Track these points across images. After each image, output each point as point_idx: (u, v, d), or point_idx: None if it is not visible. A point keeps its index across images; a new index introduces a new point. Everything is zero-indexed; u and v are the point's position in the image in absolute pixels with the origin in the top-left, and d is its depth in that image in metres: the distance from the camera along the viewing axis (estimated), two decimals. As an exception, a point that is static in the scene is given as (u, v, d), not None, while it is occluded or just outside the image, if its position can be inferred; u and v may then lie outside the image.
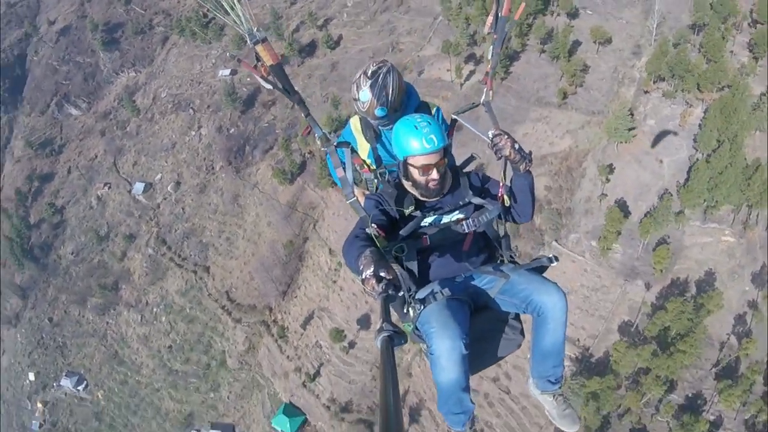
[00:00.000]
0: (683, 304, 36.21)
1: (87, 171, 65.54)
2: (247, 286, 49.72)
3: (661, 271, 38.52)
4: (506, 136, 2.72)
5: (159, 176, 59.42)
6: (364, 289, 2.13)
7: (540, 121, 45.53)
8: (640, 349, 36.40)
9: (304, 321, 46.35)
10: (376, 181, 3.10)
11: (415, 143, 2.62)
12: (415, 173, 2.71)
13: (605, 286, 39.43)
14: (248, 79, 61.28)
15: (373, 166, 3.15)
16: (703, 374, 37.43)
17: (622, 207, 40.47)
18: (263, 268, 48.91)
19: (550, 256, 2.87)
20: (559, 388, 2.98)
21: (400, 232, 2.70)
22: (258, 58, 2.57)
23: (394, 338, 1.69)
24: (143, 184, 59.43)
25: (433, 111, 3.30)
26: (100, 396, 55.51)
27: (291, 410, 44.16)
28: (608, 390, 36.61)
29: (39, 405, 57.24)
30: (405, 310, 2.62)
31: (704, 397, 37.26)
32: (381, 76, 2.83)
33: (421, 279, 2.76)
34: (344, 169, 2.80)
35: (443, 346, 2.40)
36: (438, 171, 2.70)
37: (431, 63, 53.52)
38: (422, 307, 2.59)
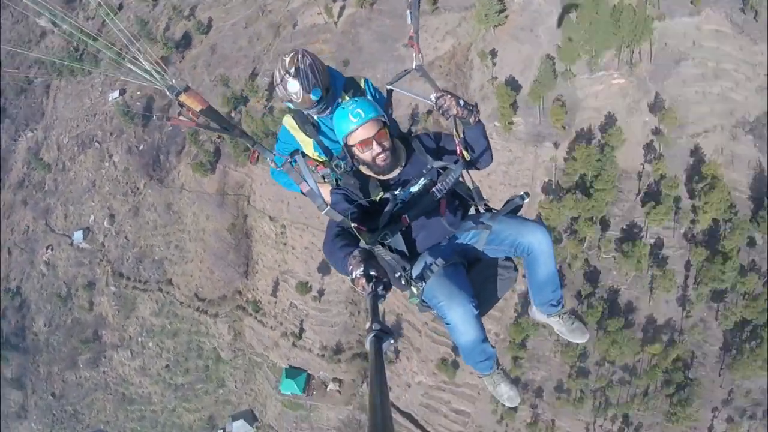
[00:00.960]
0: (588, 148, 38.59)
1: (25, 244, 65.65)
2: (211, 281, 51.37)
3: (563, 127, 40.66)
4: (449, 96, 2.78)
5: (92, 218, 59.91)
6: (355, 289, 2.25)
7: (418, 32, 46.57)
8: (564, 201, 38.98)
9: (272, 290, 48.34)
10: (333, 175, 3.08)
11: (343, 122, 2.72)
12: (358, 152, 2.77)
13: (519, 157, 41.53)
14: (138, 92, 61.18)
15: (323, 158, 3.15)
16: (630, 206, 40.22)
17: (512, 83, 42.15)
18: (218, 258, 50.47)
19: (522, 194, 3.03)
20: (563, 308, 3.22)
21: (379, 220, 2.74)
22: (181, 104, 2.54)
23: (383, 337, 1.68)
24: (81, 232, 59.95)
25: (362, 84, 3.29)
26: (127, 441, 57.76)
27: (292, 372, 46.69)
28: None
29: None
30: (407, 289, 2.78)
31: (639, 226, 40.22)
32: (299, 62, 2.81)
33: (411, 254, 2.87)
34: (305, 180, 2.76)
35: (456, 315, 2.60)
36: (379, 144, 2.74)
37: (302, 12, 53.85)
38: (423, 284, 2.73)
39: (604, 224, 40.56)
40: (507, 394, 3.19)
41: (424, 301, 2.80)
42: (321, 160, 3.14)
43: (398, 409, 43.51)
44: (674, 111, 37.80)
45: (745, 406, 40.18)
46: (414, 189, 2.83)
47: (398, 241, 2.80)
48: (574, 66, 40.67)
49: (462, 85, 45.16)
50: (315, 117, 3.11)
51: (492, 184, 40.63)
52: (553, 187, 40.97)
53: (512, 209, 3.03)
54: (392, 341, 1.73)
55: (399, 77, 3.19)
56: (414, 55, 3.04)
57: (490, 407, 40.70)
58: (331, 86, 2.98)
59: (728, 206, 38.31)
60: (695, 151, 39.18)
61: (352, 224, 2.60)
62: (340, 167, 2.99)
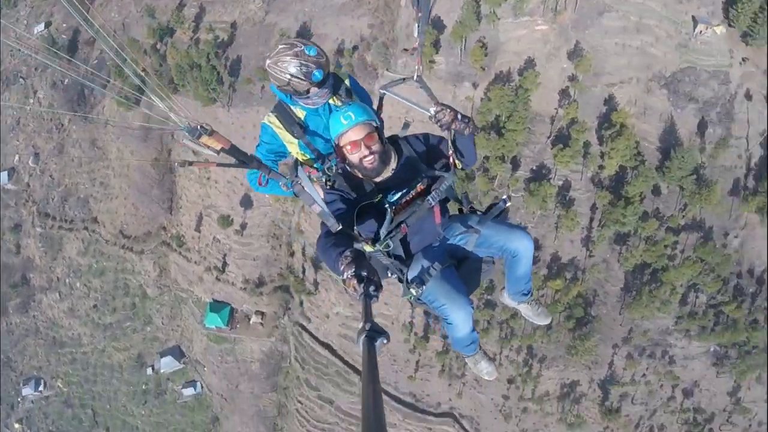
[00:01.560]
0: (502, 89, 39.18)
1: (-50, 187, 63.85)
2: (135, 217, 51.17)
3: (482, 68, 41.03)
4: (449, 110, 2.89)
5: (17, 157, 58.48)
6: (346, 290, 2.25)
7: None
8: (477, 139, 39.73)
9: (196, 224, 48.50)
10: (325, 176, 3.10)
11: (335, 123, 2.82)
12: (347, 154, 2.85)
13: (437, 95, 41.98)
14: (64, 25, 59.11)
15: (306, 155, 3.18)
16: (541, 148, 41.29)
17: (436, 22, 42.05)
18: (142, 194, 50.16)
19: (504, 198, 3.28)
20: (531, 296, 3.63)
21: (380, 231, 2.86)
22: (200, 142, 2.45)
23: (375, 337, 1.69)
24: (6, 173, 58.53)
25: (346, 81, 3.32)
26: (60, 385, 58.06)
27: (216, 306, 47.39)
28: (461, 181, 40.52)
29: (16, 426, 59.53)
30: (406, 290, 2.95)
31: (548, 168, 41.45)
32: (294, 45, 2.79)
33: (405, 255, 3.04)
34: (317, 202, 2.84)
35: (458, 317, 2.83)
36: (367, 147, 2.83)
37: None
38: (423, 287, 2.91)
39: (515, 164, 41.72)
40: (486, 370, 3.56)
41: (419, 299, 2.99)
42: (307, 158, 3.16)
43: (317, 340, 44.88)
44: (589, 59, 38.58)
45: (644, 345, 42.85)
46: (406, 195, 2.94)
47: (396, 247, 2.94)
48: (499, 9, 40.88)
49: (389, 22, 45.00)
50: (302, 116, 3.09)
51: (411, 121, 41.17)
52: (471, 124, 41.80)
53: (498, 213, 3.26)
54: (385, 341, 1.71)
55: (395, 83, 3.24)
56: (416, 67, 3.12)
57: (402, 336, 42.32)
58: (330, 78, 2.97)
59: (634, 154, 39.73)
60: (609, 101, 40.20)
61: (360, 237, 2.70)
62: (332, 169, 3.05)
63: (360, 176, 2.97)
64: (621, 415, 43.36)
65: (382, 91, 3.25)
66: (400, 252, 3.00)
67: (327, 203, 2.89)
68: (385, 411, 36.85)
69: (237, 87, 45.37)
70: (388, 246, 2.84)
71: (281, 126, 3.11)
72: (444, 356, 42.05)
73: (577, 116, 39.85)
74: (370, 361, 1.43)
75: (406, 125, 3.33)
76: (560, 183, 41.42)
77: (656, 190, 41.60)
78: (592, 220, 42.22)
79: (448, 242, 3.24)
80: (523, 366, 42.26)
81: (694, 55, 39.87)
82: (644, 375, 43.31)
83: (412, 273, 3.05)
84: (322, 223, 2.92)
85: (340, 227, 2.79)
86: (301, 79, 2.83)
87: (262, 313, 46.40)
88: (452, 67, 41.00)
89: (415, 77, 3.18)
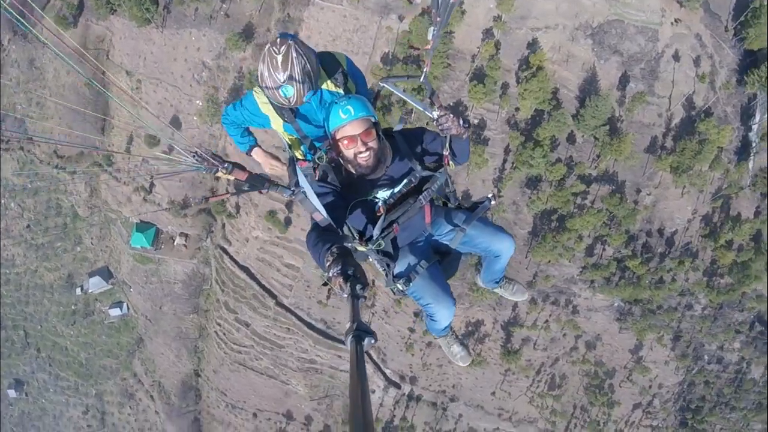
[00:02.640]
0: (422, 20, 40.63)
1: None
2: (70, 137, 52.72)
3: (410, 2, 42.73)
4: (452, 116, 2.95)
5: (-45, 75, 59.39)
6: (332, 288, 2.26)
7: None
8: (395, 69, 41.63)
9: (126, 145, 50.34)
10: (313, 167, 3.11)
11: (333, 116, 2.84)
12: (342, 148, 2.88)
13: (364, 26, 43.51)
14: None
15: (292, 136, 3.23)
16: (460, 85, 43.22)
17: None
18: (77, 115, 51.70)
19: (489, 196, 3.41)
20: (503, 281, 3.93)
21: (373, 231, 2.93)
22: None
23: (363, 337, 1.71)
24: (-55, 90, 59.45)
25: (342, 61, 3.26)
26: (-5, 309, 60.16)
27: (142, 227, 49.55)
28: (380, 116, 42.54)
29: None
30: (391, 283, 3.09)
31: (465, 105, 43.56)
32: (292, 64, 2.76)
33: (393, 250, 3.15)
34: (317, 208, 2.86)
35: (443, 315, 3.07)
36: (363, 143, 2.86)
37: None
38: (410, 284, 3.05)
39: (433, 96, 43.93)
40: (459, 354, 3.82)
41: (403, 292, 3.15)
42: (294, 139, 3.23)
43: (236, 263, 47.37)
44: (513, 1, 40.31)
45: (547, 291, 45.65)
46: (398, 192, 3.03)
47: (387, 245, 3.05)
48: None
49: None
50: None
51: (336, 49, 42.97)
52: (390, 57, 43.71)
53: (483, 211, 3.41)
54: (373, 341, 1.72)
55: (399, 78, 3.34)
56: (423, 69, 3.21)
57: (315, 263, 44.96)
58: (310, 83, 2.94)
59: (549, 98, 41.86)
60: (532, 44, 41.80)
61: (352, 237, 2.81)
62: (322, 158, 3.09)
63: (352, 171, 2.99)
64: (521, 358, 46.38)
65: (381, 84, 3.31)
66: (389, 249, 3.10)
67: (318, 195, 2.90)
68: (298, 336, 39.86)
69: (171, 8, 46.78)
70: (380, 245, 2.95)
71: (269, 105, 3.12)
72: (355, 282, 44.79)
73: (496, 54, 41.90)
74: (357, 360, 1.44)
75: (401, 121, 3.43)
76: (476, 121, 43.72)
77: (571, 138, 43.94)
78: (504, 161, 44.74)
79: (434, 238, 3.38)
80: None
81: (623, 9, 41.07)
82: (547, 321, 46.30)
83: (398, 268, 3.17)
84: (312, 217, 2.93)
85: (332, 224, 2.82)
86: (274, 92, 2.87)
87: (186, 235, 48.73)
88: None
89: (422, 78, 3.22)
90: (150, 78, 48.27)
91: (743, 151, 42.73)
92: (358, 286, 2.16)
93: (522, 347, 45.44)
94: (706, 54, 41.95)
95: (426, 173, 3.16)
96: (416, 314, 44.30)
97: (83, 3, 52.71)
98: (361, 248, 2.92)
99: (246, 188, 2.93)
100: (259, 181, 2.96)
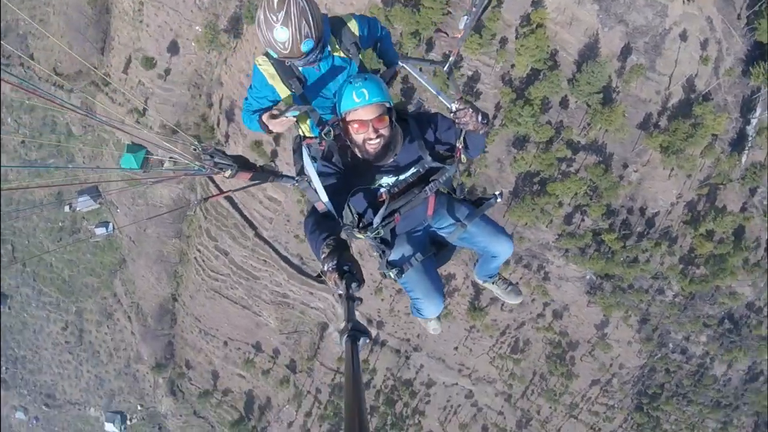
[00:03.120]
0: None
1: None
2: (69, 56, 54.72)
3: None
4: (470, 110, 2.89)
5: (-37, -16, 61.15)
6: (326, 283, 2.28)
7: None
8: (393, 10, 42.37)
9: (124, 66, 52.27)
10: (318, 141, 3.07)
11: (346, 98, 2.78)
12: (352, 131, 2.83)
13: None
14: None
15: (302, 107, 3.05)
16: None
17: None
18: (78, 33, 53.58)
19: (496, 194, 3.40)
20: (497, 277, 3.93)
21: (374, 220, 2.88)
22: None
23: (358, 336, 1.70)
24: (-49, -2, 61.33)
25: (352, 26, 3.09)
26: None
27: (133, 148, 51.81)
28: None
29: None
30: (384, 268, 3.16)
31: (460, 54, 44.16)
32: (290, 2, 2.64)
33: (391, 237, 3.15)
34: (320, 197, 2.79)
35: (430, 311, 3.17)
36: (375, 130, 2.79)
37: None
38: (402, 275, 3.10)
39: (430, 45, 45.00)
40: (433, 327, 4.03)
41: (394, 279, 3.20)
42: (303, 113, 3.04)
43: (221, 191, 49.58)
44: None
45: (521, 253, 47.33)
46: (403, 181, 3.00)
47: (386, 234, 3.04)
48: None
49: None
50: (300, 68, 3.00)
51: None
52: (391, -3, 44.84)
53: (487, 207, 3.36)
54: (368, 340, 1.74)
55: (420, 62, 3.33)
56: (450, 57, 3.04)
57: (296, 197, 47.03)
58: (324, 35, 2.84)
59: (546, 57, 42.35)
60: (537, 3, 42.23)
61: (352, 223, 2.76)
62: (330, 134, 3.02)
63: (359, 156, 2.95)
64: (486, 316, 48.40)
65: (401, 63, 3.22)
66: (387, 236, 3.11)
67: (320, 174, 2.86)
68: (273, 269, 42.22)
69: (177, -69, 47.99)
70: (379, 234, 2.93)
71: (276, 76, 3.03)
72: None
73: (498, 5, 42.71)
74: (353, 360, 1.43)
75: (419, 103, 3.38)
76: (470, 73, 44.95)
77: (564, 103, 44.81)
78: (495, 117, 46.15)
79: (432, 229, 3.41)
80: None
81: None
82: (517, 283, 48.07)
83: (393, 256, 3.21)
84: (311, 201, 2.85)
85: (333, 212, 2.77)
86: (269, 38, 2.73)
87: (175, 160, 50.88)
88: None
89: (446, 67, 3.16)
90: (152, 1, 49.82)
91: (738, 143, 43.41)
92: (353, 285, 2.15)
93: (489, 306, 47.52)
94: (714, 38, 42.10)
95: (435, 164, 3.11)
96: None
97: None
98: (359, 236, 2.88)
99: (250, 184, 2.67)
100: (262, 176, 2.87)
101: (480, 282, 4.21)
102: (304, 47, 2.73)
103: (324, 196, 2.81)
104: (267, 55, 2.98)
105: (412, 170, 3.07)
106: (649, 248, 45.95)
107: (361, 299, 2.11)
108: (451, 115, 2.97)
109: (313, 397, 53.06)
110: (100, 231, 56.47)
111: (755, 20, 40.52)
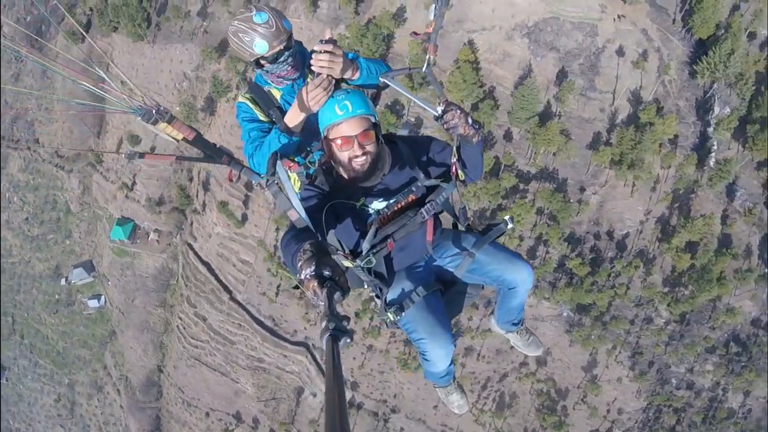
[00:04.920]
0: (361, 28, 49.30)
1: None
2: (70, 139, 66.59)
3: (356, 13, 52.06)
4: (459, 111, 2.95)
5: (-16, 82, 76.18)
6: (304, 293, 2.16)
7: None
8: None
9: (117, 148, 63.14)
10: (304, 173, 3.19)
11: (327, 112, 2.83)
12: (336, 149, 2.85)
13: (317, 36, 53.80)
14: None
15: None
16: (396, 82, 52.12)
17: None
18: (78, 119, 65.64)
19: (506, 219, 3.37)
20: (522, 325, 3.88)
21: (363, 245, 2.93)
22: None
23: (339, 336, 1.74)
24: (-26, 95, 76.33)
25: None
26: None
27: (122, 221, 61.40)
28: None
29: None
30: (383, 312, 3.12)
31: (401, 103, 51.61)
32: (247, 10, 2.96)
33: (388, 273, 3.16)
34: (294, 207, 2.80)
35: (437, 355, 3.04)
36: (360, 146, 2.81)
37: None
38: (402, 314, 3.07)
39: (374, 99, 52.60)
40: (457, 403, 3.88)
41: (395, 323, 3.15)
42: (291, 158, 3.20)
43: (200, 258, 57.70)
44: (451, 5, 49.52)
45: (489, 296, 50.69)
46: (395, 204, 3.03)
47: (379, 263, 3.05)
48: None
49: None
50: (278, 96, 3.27)
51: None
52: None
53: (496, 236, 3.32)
54: (349, 340, 1.78)
55: (400, 73, 3.45)
56: (427, 57, 3.24)
57: (264, 254, 53.91)
58: (295, 43, 3.12)
59: (478, 92, 46.82)
60: (468, 44, 49.54)
61: (339, 251, 2.80)
62: (314, 162, 3.16)
63: (344, 176, 2.95)
64: (463, 368, 51.35)
65: (382, 80, 3.29)
66: (382, 269, 3.09)
67: (302, 199, 2.88)
68: (248, 333, 49.79)
69: (161, 26, 60.03)
70: (370, 262, 2.92)
71: (257, 107, 3.25)
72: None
73: (432, 57, 49.87)
74: (333, 361, 1.48)
75: (407, 125, 3.55)
76: (413, 120, 50.38)
77: (508, 136, 48.94)
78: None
79: (435, 263, 3.34)
80: (370, 302, 52.80)
81: (559, 6, 45.73)
82: (489, 329, 52.00)
83: (392, 294, 3.15)
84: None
85: (312, 230, 2.76)
86: (245, 49, 2.96)
87: (159, 231, 59.95)
88: (332, 11, 53.08)
89: (424, 68, 3.27)
90: (140, 87, 60.78)
91: (701, 146, 46.79)
92: (336, 294, 2.04)
93: (465, 357, 51.16)
94: (653, 48, 46.57)
95: (430, 182, 3.12)
96: (356, 314, 51.75)
97: (91, 22, 67.79)
98: (347, 263, 2.88)
99: (198, 157, 2.91)
100: (216, 152, 2.96)
101: (501, 332, 4.02)
102: (287, 24, 3.00)
103: (296, 201, 2.80)
104: (248, 91, 3.32)
105: (405, 192, 3.07)
106: (620, 270, 47.90)
107: (344, 294, 2.08)
108: (439, 120, 2.98)
109: (294, 469, 57.15)
110: (93, 303, 65.32)
111: (689, 19, 44.70)
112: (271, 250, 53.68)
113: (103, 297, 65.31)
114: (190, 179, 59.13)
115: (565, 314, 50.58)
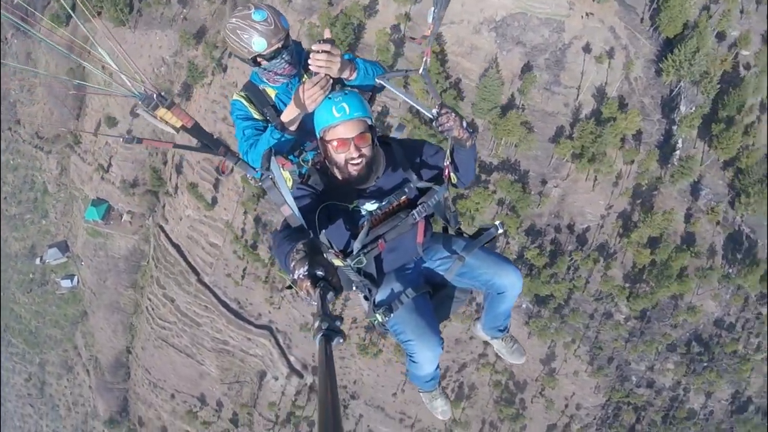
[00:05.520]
0: (330, 17, 52.53)
1: None
2: (50, 121, 69.99)
3: (330, 3, 55.08)
4: (454, 115, 3.08)
5: (-29, 63, 79.78)
6: (297, 293, 2.26)
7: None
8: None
9: (95, 129, 66.45)
10: (297, 171, 3.30)
11: (324, 113, 2.96)
12: (332, 151, 3.00)
13: (291, 25, 56.57)
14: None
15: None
16: None
17: None
18: (59, 101, 69.10)
19: (496, 224, 3.57)
20: (507, 332, 4.04)
21: (355, 245, 3.08)
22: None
23: (332, 336, 1.81)
24: (-40, 75, 79.93)
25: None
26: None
27: (97, 202, 64.50)
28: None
29: None
30: (371, 313, 3.27)
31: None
32: (246, 8, 3.08)
33: (377, 274, 3.31)
34: (287, 203, 2.92)
35: (425, 357, 3.18)
36: (357, 148, 2.97)
37: None
38: (390, 314, 3.21)
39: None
40: (441, 408, 4.08)
41: (383, 326, 3.29)
42: (285, 156, 3.27)
43: (170, 240, 60.71)
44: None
45: None
46: (387, 205, 3.18)
47: (369, 264, 3.19)
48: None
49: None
50: (273, 95, 3.41)
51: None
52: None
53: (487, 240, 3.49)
54: (341, 340, 1.84)
55: (396, 74, 3.58)
56: (424, 59, 3.32)
57: (230, 238, 56.86)
58: (292, 42, 3.27)
59: (448, 84, 49.67)
60: (437, 39, 52.88)
61: (331, 249, 2.96)
62: (308, 161, 3.27)
63: (339, 177, 3.08)
64: None
65: (378, 82, 3.40)
66: (372, 270, 3.23)
67: (295, 198, 3.00)
68: (214, 315, 53.47)
69: (142, 11, 63.42)
70: (360, 262, 3.07)
71: (252, 106, 3.39)
72: (270, 268, 56.46)
73: (399, 48, 52.03)
74: (326, 360, 1.53)
75: (401, 127, 3.67)
76: (379, 108, 51.28)
77: (472, 127, 52.77)
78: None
79: (425, 265, 3.50)
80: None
81: (528, 2, 47.56)
82: (450, 319, 54.47)
83: (381, 295, 3.30)
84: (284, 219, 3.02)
85: (305, 227, 2.88)
86: (243, 47, 3.10)
87: (132, 213, 63.06)
88: (306, 2, 56.07)
89: (421, 70, 3.36)
90: (128, 69, 64.51)
91: (665, 144, 48.99)
92: (330, 294, 2.15)
93: (424, 346, 53.56)
94: (620, 45, 48.82)
95: (423, 184, 3.28)
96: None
97: (75, 5, 71.31)
98: (338, 262, 3.03)
99: (194, 146, 2.98)
100: (213, 142, 3.01)
101: (487, 338, 4.15)
102: (285, 22, 3.15)
103: (290, 198, 2.92)
104: (243, 89, 3.48)
105: (397, 193, 3.23)
106: (579, 262, 50.09)
107: (337, 294, 2.19)
108: (434, 123, 3.14)
109: (256, 454, 59.80)
110: (66, 283, 68.36)
111: (657, 18, 46.79)
112: (239, 233, 56.65)
113: (76, 277, 68.35)
114: (165, 162, 62.25)
115: (524, 305, 52.80)
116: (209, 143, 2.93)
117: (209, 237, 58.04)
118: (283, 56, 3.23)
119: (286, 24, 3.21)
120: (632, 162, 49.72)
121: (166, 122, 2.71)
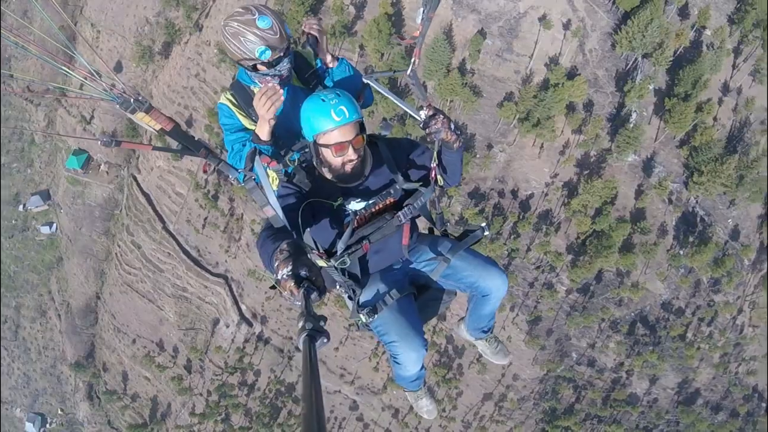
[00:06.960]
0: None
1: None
2: (41, 74, 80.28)
3: None
4: (442, 117, 3.31)
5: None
6: (281, 293, 2.44)
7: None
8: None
9: (80, 85, 76.15)
10: (283, 170, 3.48)
11: (322, 118, 3.09)
12: (329, 154, 3.17)
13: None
14: None
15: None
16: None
17: None
18: (50, 56, 79.31)
19: (482, 225, 3.84)
20: (491, 333, 4.34)
21: (338, 245, 3.25)
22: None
23: (316, 337, 1.95)
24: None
25: (313, 61, 3.89)
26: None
27: (78, 152, 74.08)
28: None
29: None
30: (355, 314, 3.53)
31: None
32: (248, 11, 3.26)
33: (362, 275, 3.56)
34: (270, 204, 3.10)
35: (409, 358, 3.42)
36: (355, 150, 3.19)
37: None
38: (375, 316, 3.46)
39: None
40: (426, 408, 4.40)
41: (367, 326, 3.58)
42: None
43: (141, 190, 69.81)
44: None
45: None
46: (373, 205, 3.40)
47: (353, 265, 3.41)
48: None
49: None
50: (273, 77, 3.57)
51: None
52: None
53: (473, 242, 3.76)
54: (326, 341, 1.99)
55: (383, 74, 3.93)
56: (412, 60, 3.57)
57: (192, 182, 65.22)
58: (288, 57, 3.51)
59: (390, 35, 52.77)
60: (394, 4, 57.80)
61: (314, 250, 3.11)
62: (294, 161, 3.45)
63: (328, 176, 3.29)
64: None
65: (365, 80, 3.69)
66: (357, 270, 3.48)
67: (279, 197, 3.19)
68: (175, 262, 63.90)
69: (132, -26, 72.97)
70: (344, 263, 3.23)
71: (237, 106, 3.65)
72: (229, 218, 64.87)
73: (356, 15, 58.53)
74: (310, 361, 1.65)
75: (387, 126, 3.80)
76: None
77: (459, 129, 59.60)
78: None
79: (411, 266, 3.79)
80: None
81: None
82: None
83: (365, 296, 3.57)
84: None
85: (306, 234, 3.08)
86: (245, 53, 3.31)
87: (110, 163, 72.55)
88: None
89: (409, 71, 3.60)
90: (107, 29, 74.30)
91: (617, 116, 53.17)
92: (313, 294, 2.32)
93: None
94: (577, 18, 52.93)
95: (409, 186, 3.49)
96: (273, 251, 61.99)
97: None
98: (321, 263, 3.18)
99: (175, 148, 3.13)
100: (194, 144, 3.15)
101: (470, 339, 4.48)
102: (288, 30, 3.35)
103: (273, 198, 3.08)
104: (230, 88, 3.71)
105: (383, 194, 3.43)
106: (515, 222, 53.87)
107: (321, 295, 2.39)
108: (421, 125, 3.33)
109: (204, 399, 67.99)
110: (45, 229, 78.17)
111: None
112: (201, 183, 65.30)
113: (55, 224, 78.09)
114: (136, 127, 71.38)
115: (460, 266, 58.86)
116: (190, 145, 3.13)
117: (176, 186, 66.76)
118: (284, 64, 3.52)
119: (289, 31, 3.46)
120: (579, 131, 54.13)
121: (146, 124, 2.96)
